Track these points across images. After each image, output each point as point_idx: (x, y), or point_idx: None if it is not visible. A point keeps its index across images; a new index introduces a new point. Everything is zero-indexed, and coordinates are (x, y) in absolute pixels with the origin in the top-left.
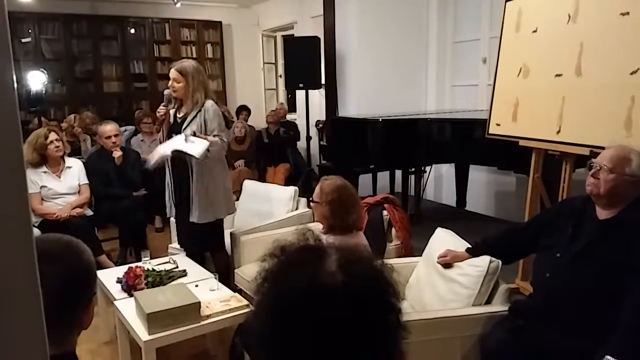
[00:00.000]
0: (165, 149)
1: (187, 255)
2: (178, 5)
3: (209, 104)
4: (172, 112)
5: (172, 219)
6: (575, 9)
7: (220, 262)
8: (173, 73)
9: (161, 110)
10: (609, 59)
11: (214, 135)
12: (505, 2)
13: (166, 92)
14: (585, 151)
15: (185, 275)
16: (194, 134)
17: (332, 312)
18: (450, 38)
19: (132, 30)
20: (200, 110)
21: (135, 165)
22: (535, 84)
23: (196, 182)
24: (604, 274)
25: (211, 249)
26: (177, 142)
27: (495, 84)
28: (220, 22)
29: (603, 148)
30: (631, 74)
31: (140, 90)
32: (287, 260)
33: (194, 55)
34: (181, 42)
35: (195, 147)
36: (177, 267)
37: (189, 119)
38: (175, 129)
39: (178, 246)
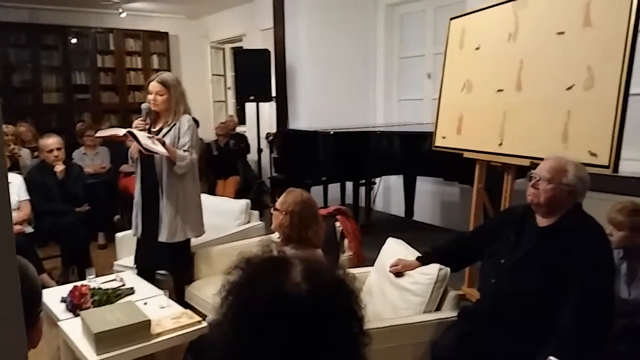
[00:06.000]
0: (123, 129)
1: (138, 273)
2: (123, 15)
3: (185, 118)
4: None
5: (118, 235)
6: (515, 28)
7: (181, 281)
8: (155, 85)
9: (140, 125)
10: (546, 75)
11: (184, 150)
12: (450, 20)
13: (144, 105)
14: (526, 162)
15: (133, 292)
16: (164, 143)
17: (298, 321)
18: (397, 53)
19: (74, 40)
20: (174, 124)
21: (78, 180)
22: (478, 98)
23: (166, 201)
24: (544, 279)
25: (176, 268)
26: (139, 132)
27: (440, 98)
28: (167, 33)
29: (542, 159)
30: (567, 89)
31: (82, 102)
32: (253, 272)
33: (139, 66)
34: (126, 53)
35: (151, 144)
36: (124, 284)
37: (164, 131)
38: None
39: (124, 263)
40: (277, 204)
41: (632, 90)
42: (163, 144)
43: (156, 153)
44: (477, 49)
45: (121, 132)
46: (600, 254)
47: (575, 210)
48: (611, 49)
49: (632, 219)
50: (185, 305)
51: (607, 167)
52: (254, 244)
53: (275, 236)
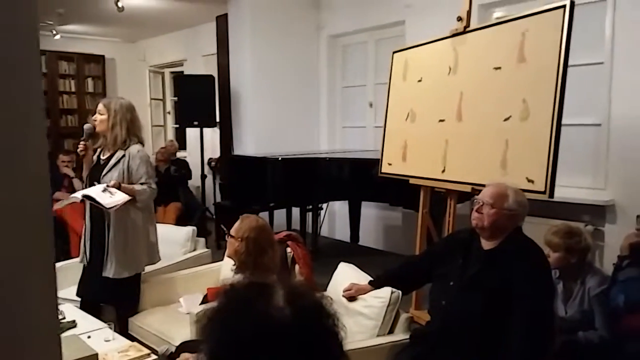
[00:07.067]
0: (78, 194)
1: (81, 305)
2: (57, 37)
3: (135, 149)
4: (93, 151)
5: (56, 265)
6: (455, 62)
7: (125, 314)
8: (99, 105)
9: (80, 145)
10: (485, 106)
11: (141, 183)
12: (393, 53)
13: (86, 126)
14: (468, 188)
15: (75, 326)
16: (119, 186)
17: (283, 344)
18: (340, 83)
19: None
20: (124, 156)
21: None
22: (421, 128)
23: (113, 233)
24: (491, 299)
25: (123, 305)
26: (94, 190)
27: (385, 127)
28: (103, 56)
29: (484, 185)
30: (504, 120)
31: None
32: (237, 298)
33: (73, 90)
34: (59, 76)
35: (110, 198)
36: (64, 317)
37: (111, 162)
38: (96, 171)
39: (63, 295)
40: (232, 231)
41: (565, 120)
42: (119, 187)
43: (119, 204)
44: (420, 81)
45: (78, 198)
46: (540, 275)
47: (516, 233)
48: (544, 82)
49: (567, 241)
50: (129, 337)
51: (543, 192)
52: (202, 273)
53: (230, 263)
